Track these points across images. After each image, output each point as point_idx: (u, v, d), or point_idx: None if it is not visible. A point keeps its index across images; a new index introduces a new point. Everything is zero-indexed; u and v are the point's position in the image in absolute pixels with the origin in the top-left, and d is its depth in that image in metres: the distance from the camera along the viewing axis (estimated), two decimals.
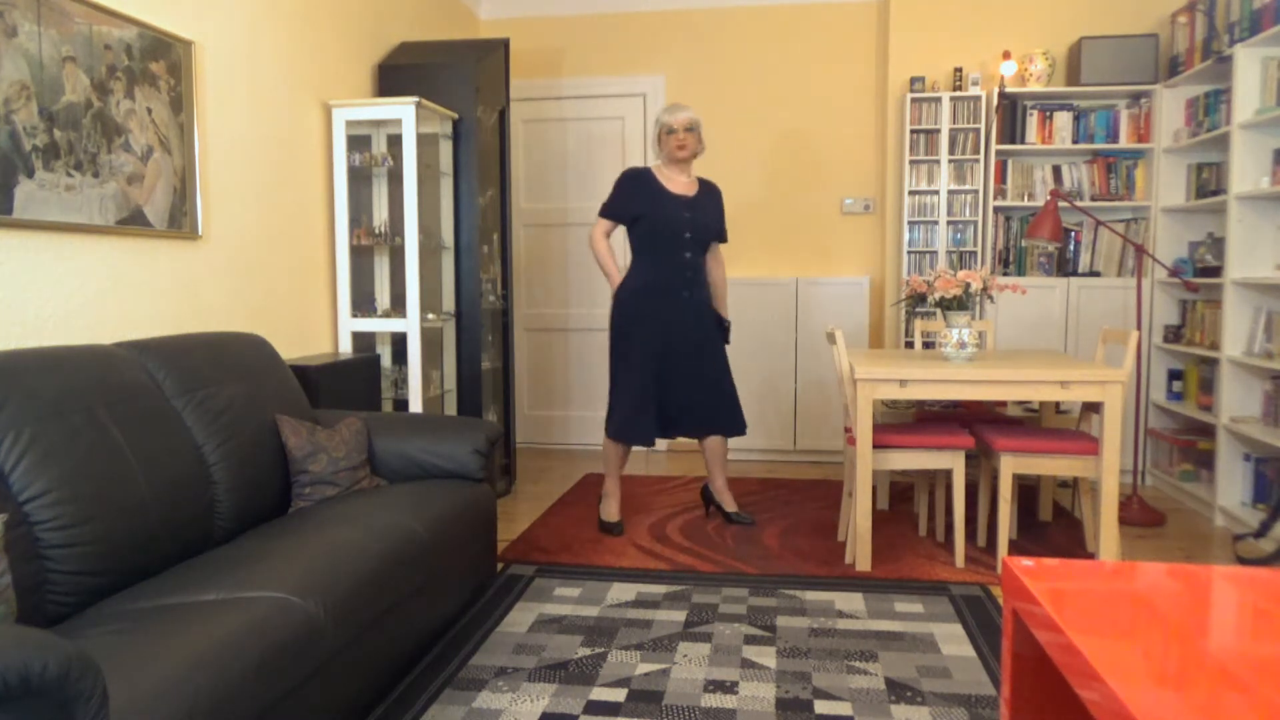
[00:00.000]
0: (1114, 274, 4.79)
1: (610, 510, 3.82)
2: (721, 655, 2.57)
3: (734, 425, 3.81)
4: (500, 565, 3.37)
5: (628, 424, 3.69)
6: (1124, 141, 4.71)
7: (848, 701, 2.29)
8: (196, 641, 1.58)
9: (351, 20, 3.92)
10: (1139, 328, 3.77)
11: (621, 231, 5.12)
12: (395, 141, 3.99)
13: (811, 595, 3.04)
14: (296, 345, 3.50)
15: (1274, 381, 3.72)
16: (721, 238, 3.81)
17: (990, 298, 3.49)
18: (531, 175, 5.60)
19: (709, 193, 3.78)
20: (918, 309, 4.82)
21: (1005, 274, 4.89)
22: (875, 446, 3.33)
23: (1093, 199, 4.78)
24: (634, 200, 3.66)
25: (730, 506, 3.91)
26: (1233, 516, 3.83)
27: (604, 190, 5.47)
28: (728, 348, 5.56)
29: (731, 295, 5.13)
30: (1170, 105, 4.56)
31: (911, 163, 4.89)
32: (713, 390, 3.74)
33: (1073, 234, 4.83)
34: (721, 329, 3.83)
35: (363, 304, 3.91)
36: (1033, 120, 4.77)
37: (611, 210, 3.71)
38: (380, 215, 4.06)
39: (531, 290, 5.67)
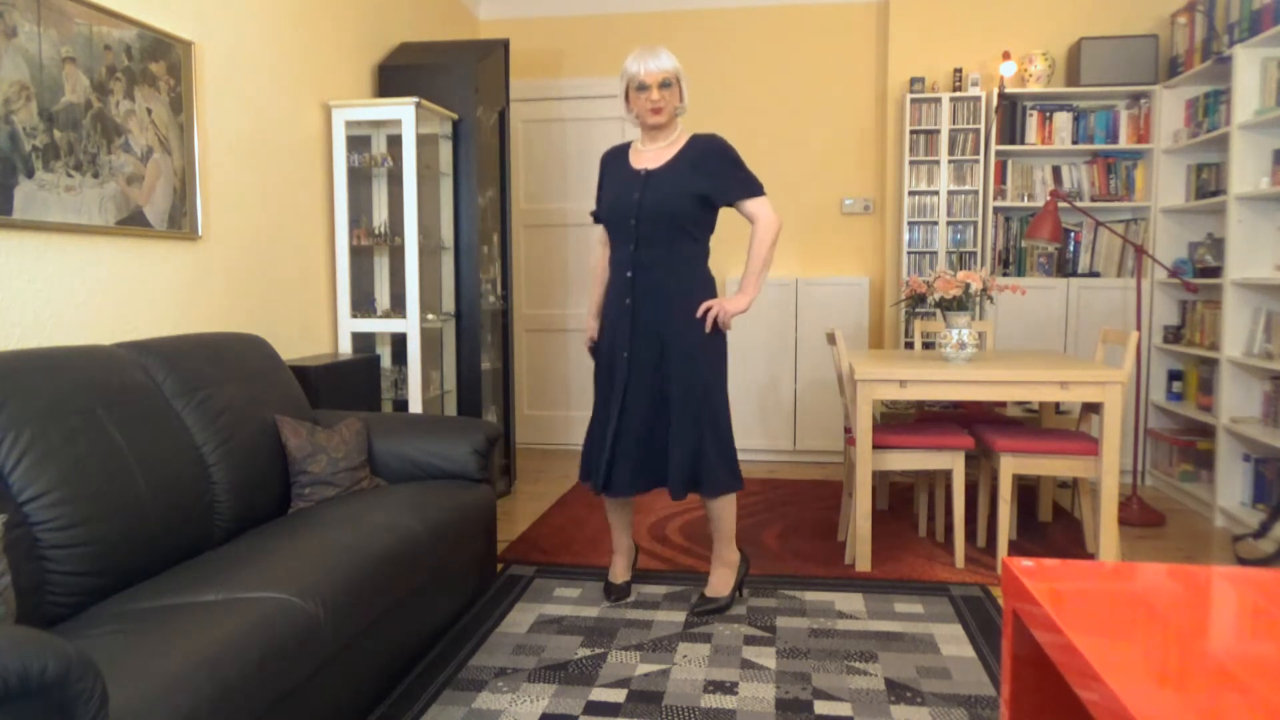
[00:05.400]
0: (1114, 274, 4.79)
1: (615, 569, 3.08)
2: (721, 656, 2.57)
3: (700, 481, 2.77)
4: (500, 565, 3.37)
5: (585, 463, 2.94)
6: (1124, 142, 4.71)
7: (847, 702, 2.29)
8: (196, 641, 1.58)
9: (351, 20, 3.92)
10: (1139, 328, 3.77)
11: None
12: (395, 142, 3.98)
13: (811, 596, 3.04)
14: (296, 346, 3.50)
15: (1274, 382, 3.72)
16: (727, 199, 2.78)
17: (990, 298, 3.49)
18: (531, 175, 5.60)
19: (689, 155, 2.76)
20: (917, 309, 4.81)
21: (1005, 274, 4.89)
22: (875, 447, 3.33)
23: (1092, 199, 4.78)
24: (600, 186, 2.95)
25: (715, 589, 2.93)
26: (1232, 517, 3.83)
27: None
28: (729, 355, 4.96)
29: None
30: (1170, 106, 4.56)
31: (911, 163, 4.89)
32: (670, 432, 2.78)
33: (1072, 234, 4.83)
34: (699, 327, 2.76)
35: (362, 304, 3.91)
36: (1032, 121, 4.77)
37: (598, 208, 2.94)
38: (380, 215, 4.06)
39: (531, 290, 5.67)
